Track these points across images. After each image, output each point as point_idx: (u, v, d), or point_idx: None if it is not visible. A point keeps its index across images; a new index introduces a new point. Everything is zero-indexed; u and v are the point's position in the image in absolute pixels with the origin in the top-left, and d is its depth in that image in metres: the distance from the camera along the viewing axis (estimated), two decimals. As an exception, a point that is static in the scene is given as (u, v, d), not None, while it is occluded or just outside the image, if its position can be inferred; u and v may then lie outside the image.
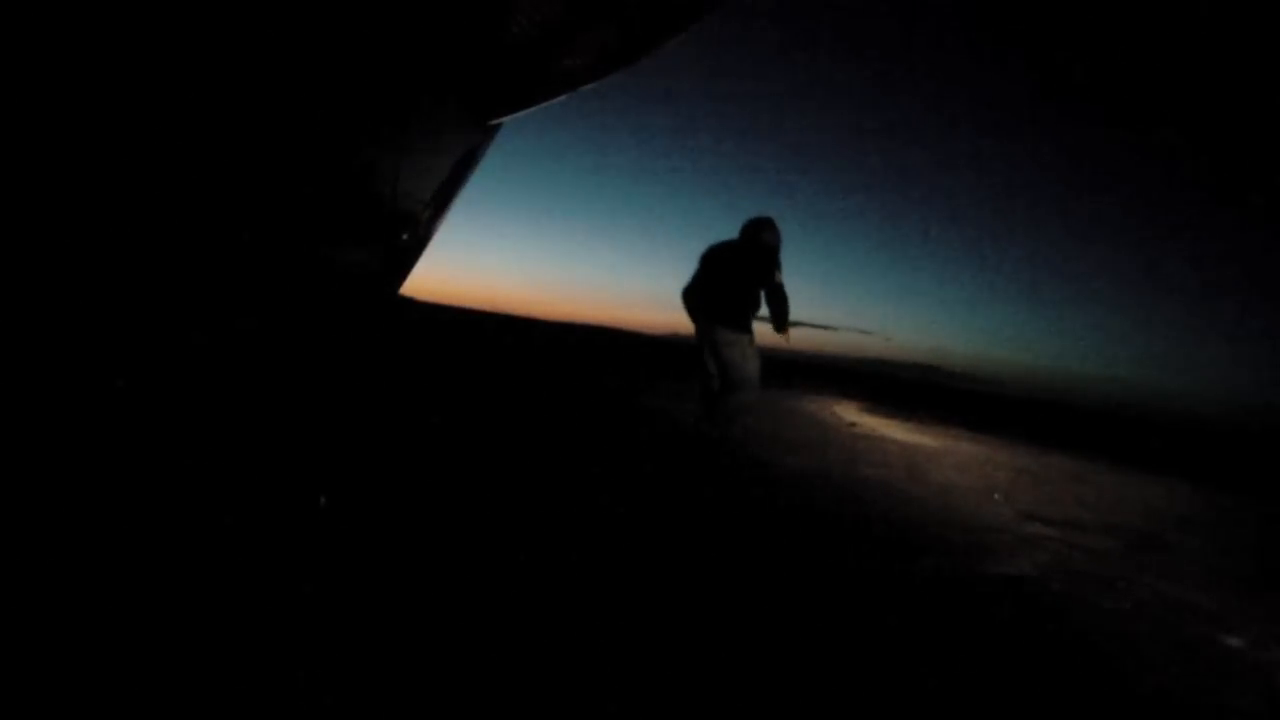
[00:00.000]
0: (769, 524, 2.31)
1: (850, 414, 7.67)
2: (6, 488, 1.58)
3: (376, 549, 1.55)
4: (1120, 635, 1.73)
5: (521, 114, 3.80)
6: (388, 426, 2.97)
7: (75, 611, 1.11)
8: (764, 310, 3.48)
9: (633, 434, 3.89)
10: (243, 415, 2.71)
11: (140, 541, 1.41)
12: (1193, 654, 1.67)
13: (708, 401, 3.61)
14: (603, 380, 7.38)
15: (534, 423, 3.72)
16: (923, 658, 1.42)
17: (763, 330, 3.52)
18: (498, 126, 4.00)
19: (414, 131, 3.41)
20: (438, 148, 3.67)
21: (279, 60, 2.46)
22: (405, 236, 4.01)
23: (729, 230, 3.62)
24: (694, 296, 3.55)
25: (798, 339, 3.52)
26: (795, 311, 3.49)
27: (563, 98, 3.67)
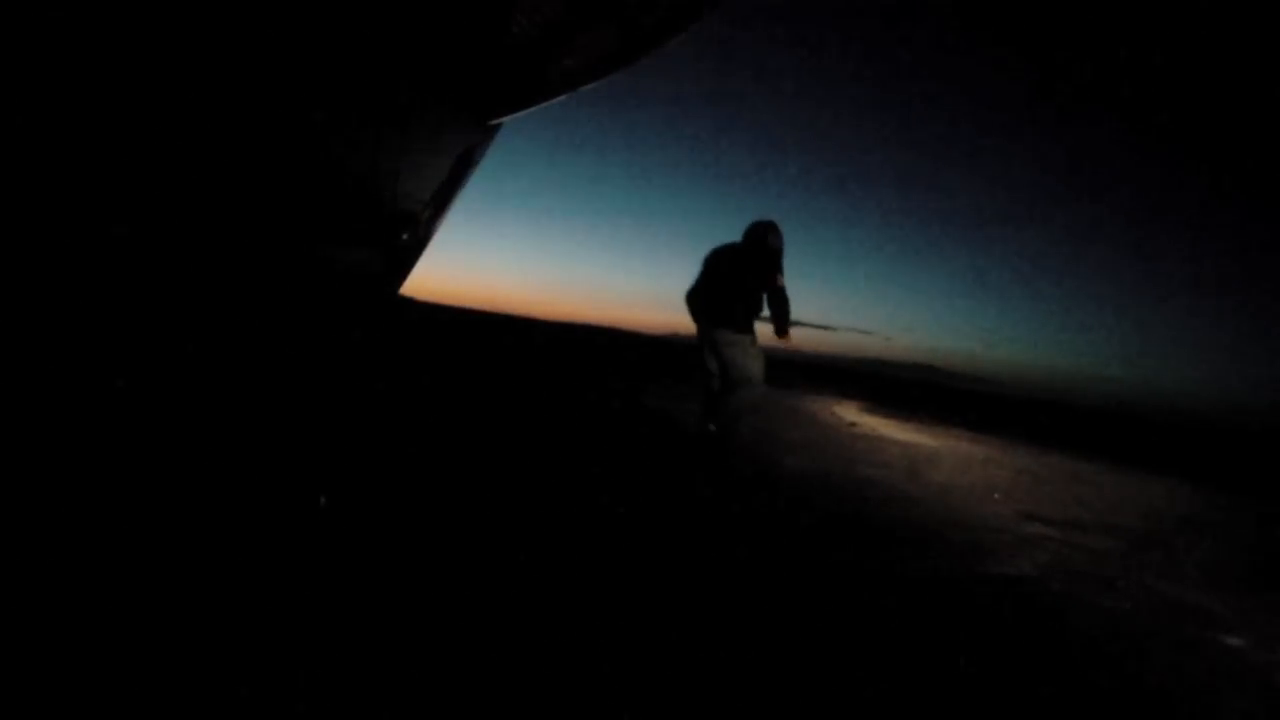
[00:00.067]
0: (769, 524, 2.31)
1: (850, 414, 7.67)
2: (7, 488, 1.58)
3: (376, 549, 1.55)
4: (1120, 635, 1.73)
5: (521, 114, 3.80)
6: (388, 426, 2.97)
7: (75, 611, 1.11)
8: (765, 312, 3.50)
9: (633, 434, 3.89)
10: (243, 415, 2.71)
11: (140, 541, 1.41)
12: (1192, 654, 1.67)
13: (709, 402, 3.62)
14: (603, 380, 7.38)
15: (534, 422, 3.72)
16: (923, 658, 1.42)
17: (764, 332, 3.54)
18: (498, 126, 4.00)
19: (414, 132, 3.41)
20: (438, 148, 3.67)
21: (279, 62, 2.46)
22: (405, 236, 4.01)
23: (728, 229, 3.65)
24: (697, 298, 3.58)
25: (798, 339, 3.54)
26: (795, 311, 3.53)
27: (563, 98, 3.67)
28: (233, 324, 3.18)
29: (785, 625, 1.48)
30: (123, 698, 0.93)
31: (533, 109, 3.73)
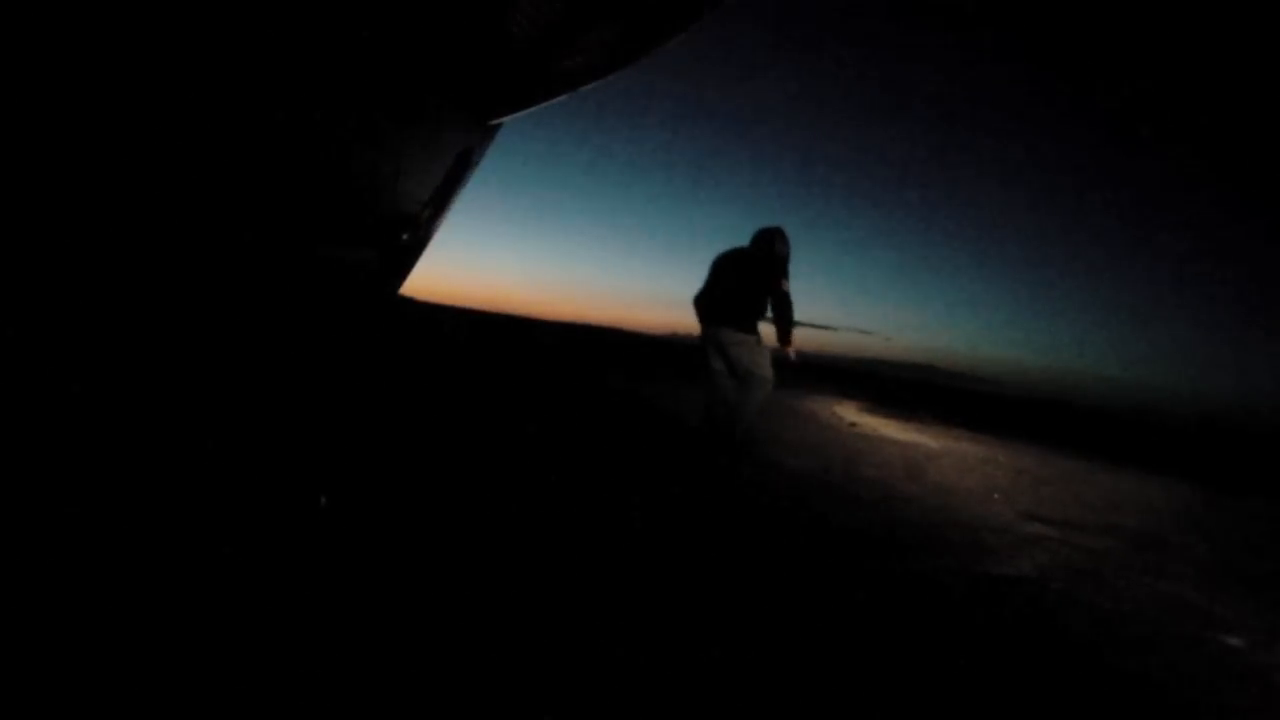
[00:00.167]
0: (769, 524, 2.31)
1: (850, 414, 7.67)
2: (7, 488, 1.58)
3: (376, 549, 1.55)
4: (1120, 635, 1.73)
5: (521, 114, 3.80)
6: (388, 426, 2.97)
7: (75, 611, 1.11)
8: (768, 313, 3.55)
9: (633, 433, 3.89)
10: (243, 414, 2.71)
11: (140, 541, 1.41)
12: (1192, 654, 1.67)
13: (711, 403, 3.63)
14: (604, 379, 7.38)
15: (534, 421, 3.71)
16: (923, 658, 1.42)
17: (766, 333, 3.58)
18: (498, 126, 4.00)
19: (414, 132, 3.41)
20: (438, 148, 3.67)
21: (280, 62, 2.46)
22: (405, 236, 4.01)
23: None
24: (703, 300, 3.62)
25: (798, 342, 3.59)
26: (796, 312, 3.56)
27: (563, 98, 3.67)
28: (232, 324, 3.17)
29: (784, 625, 1.48)
30: (123, 698, 0.93)
31: (533, 109, 3.73)
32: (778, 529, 2.26)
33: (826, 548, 2.12)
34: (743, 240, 3.69)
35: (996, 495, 3.50)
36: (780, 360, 3.61)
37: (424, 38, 2.81)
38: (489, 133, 3.99)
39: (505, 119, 3.86)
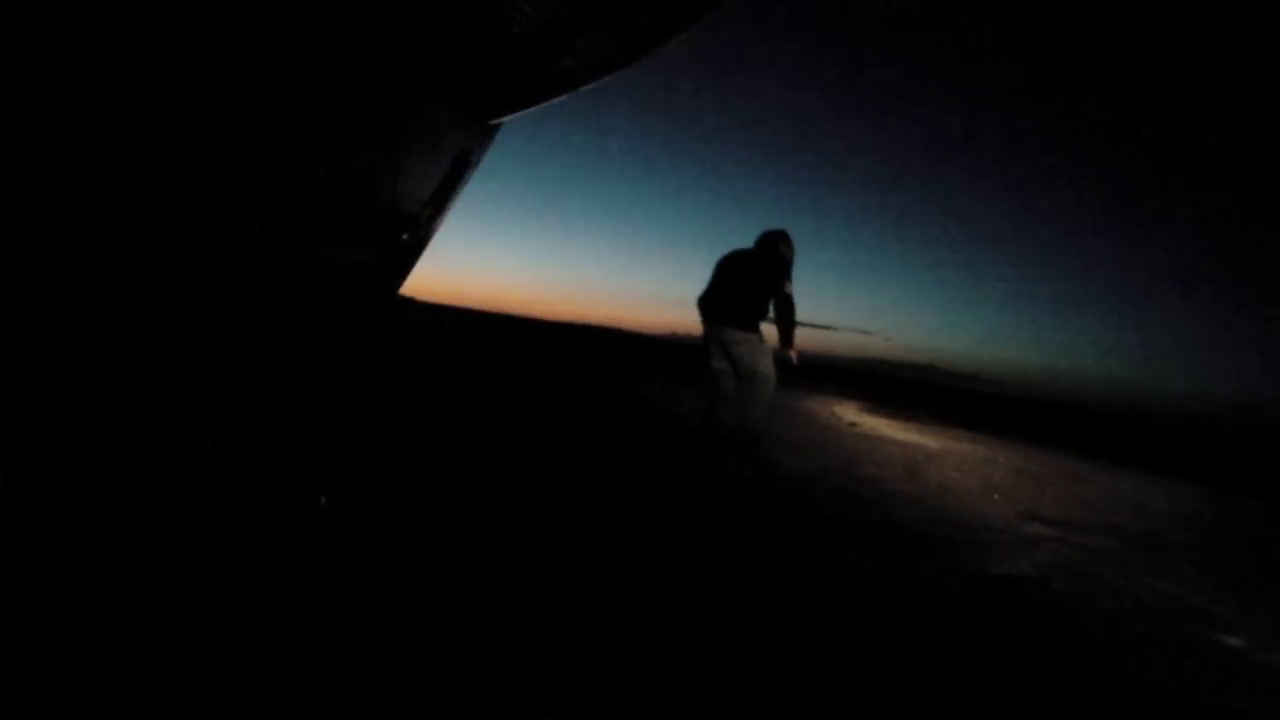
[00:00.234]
0: (769, 524, 2.31)
1: (850, 414, 7.67)
2: (8, 489, 1.58)
3: (376, 548, 1.55)
4: (1119, 635, 1.73)
5: (521, 114, 3.80)
6: (388, 425, 2.97)
7: (76, 611, 1.11)
8: (770, 314, 3.57)
9: (633, 433, 3.89)
10: (243, 414, 2.71)
11: (141, 541, 1.41)
12: (1192, 654, 1.67)
13: (712, 403, 3.64)
14: (604, 379, 7.38)
15: (534, 421, 3.71)
16: (923, 657, 1.42)
17: (768, 334, 3.60)
18: (498, 126, 4.00)
19: (414, 132, 3.42)
20: (438, 148, 3.68)
21: (280, 62, 2.46)
22: (405, 236, 4.01)
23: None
24: (707, 300, 3.64)
25: (798, 343, 3.61)
26: (797, 312, 3.57)
27: (563, 98, 3.67)
28: (231, 324, 3.18)
29: (784, 625, 1.48)
30: (123, 697, 0.93)
31: (533, 109, 3.74)
32: (778, 529, 2.26)
33: (826, 548, 2.12)
34: (743, 240, 3.72)
35: (996, 495, 3.50)
36: (782, 362, 3.63)
37: (424, 38, 2.81)
38: (489, 133, 4.00)
39: (505, 119, 3.86)
